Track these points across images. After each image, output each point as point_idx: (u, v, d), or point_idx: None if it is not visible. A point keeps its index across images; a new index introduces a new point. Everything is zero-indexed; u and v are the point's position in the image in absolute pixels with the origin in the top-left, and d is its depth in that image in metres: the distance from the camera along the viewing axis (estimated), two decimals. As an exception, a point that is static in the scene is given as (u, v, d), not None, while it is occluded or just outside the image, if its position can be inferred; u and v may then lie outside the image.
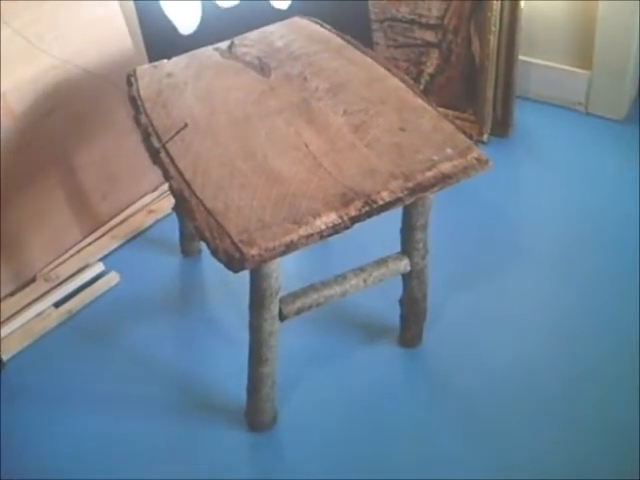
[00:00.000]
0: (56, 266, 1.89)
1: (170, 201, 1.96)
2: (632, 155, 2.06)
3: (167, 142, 1.33)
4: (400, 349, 1.60)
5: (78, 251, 1.93)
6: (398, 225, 1.42)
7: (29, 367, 1.66)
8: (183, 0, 2.16)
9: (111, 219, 2.03)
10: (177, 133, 1.35)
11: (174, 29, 2.22)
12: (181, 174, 1.25)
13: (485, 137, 2.16)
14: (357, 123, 1.33)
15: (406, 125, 1.31)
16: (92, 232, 1.99)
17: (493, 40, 2.02)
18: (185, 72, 1.57)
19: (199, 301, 1.80)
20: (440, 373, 1.56)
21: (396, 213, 1.29)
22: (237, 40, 1.68)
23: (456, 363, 1.56)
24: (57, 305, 1.79)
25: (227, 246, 1.10)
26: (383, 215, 1.16)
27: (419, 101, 1.38)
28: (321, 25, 1.70)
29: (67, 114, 1.86)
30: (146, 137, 1.38)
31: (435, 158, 1.22)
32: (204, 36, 2.00)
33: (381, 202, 1.16)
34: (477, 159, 1.22)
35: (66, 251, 1.93)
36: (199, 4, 2.19)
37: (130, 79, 1.57)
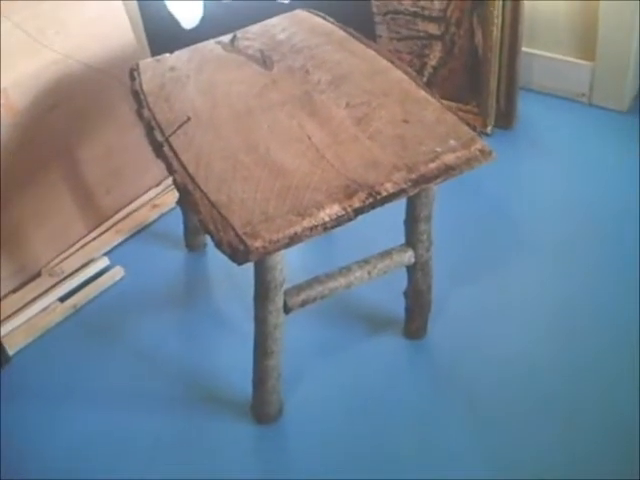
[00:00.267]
0: (61, 261, 1.89)
1: (174, 195, 1.96)
2: (635, 146, 2.05)
3: (170, 136, 1.34)
4: (405, 341, 1.61)
5: (83, 246, 1.94)
6: (402, 217, 1.42)
7: (34, 361, 1.67)
8: (185, -6, 2.17)
9: (115, 213, 2.04)
10: (180, 127, 1.35)
11: (176, 23, 2.22)
12: (184, 167, 1.26)
13: (489, 129, 2.16)
14: (360, 115, 1.33)
15: (409, 117, 1.31)
16: (96, 227, 1.99)
17: (496, 32, 2.02)
18: (188, 66, 1.57)
19: (204, 295, 1.80)
20: (444, 365, 1.56)
21: (400, 205, 1.29)
22: (239, 33, 1.67)
23: (460, 354, 1.56)
24: (62, 300, 1.80)
25: (231, 238, 1.10)
26: (387, 207, 1.16)
27: (422, 93, 1.37)
28: (323, 18, 1.69)
29: (69, 109, 1.86)
30: (149, 131, 1.38)
31: (438, 150, 1.22)
32: (206, 30, 2.00)
33: (384, 193, 1.16)
34: (480, 150, 1.22)
35: (71, 246, 1.93)
36: (201, -2, 2.19)
37: (133, 73, 1.57)
